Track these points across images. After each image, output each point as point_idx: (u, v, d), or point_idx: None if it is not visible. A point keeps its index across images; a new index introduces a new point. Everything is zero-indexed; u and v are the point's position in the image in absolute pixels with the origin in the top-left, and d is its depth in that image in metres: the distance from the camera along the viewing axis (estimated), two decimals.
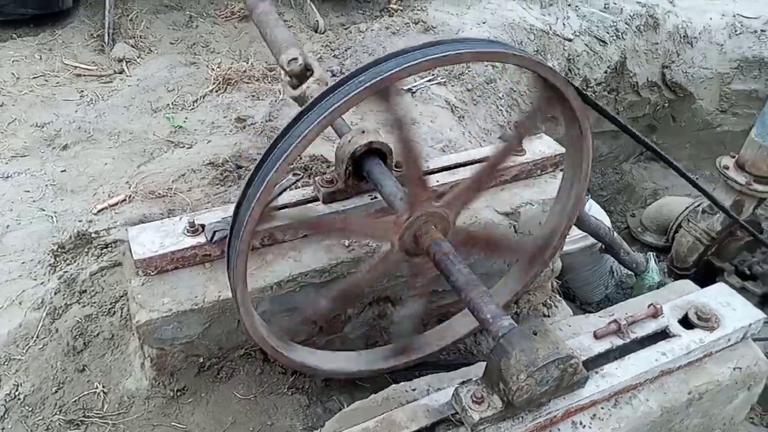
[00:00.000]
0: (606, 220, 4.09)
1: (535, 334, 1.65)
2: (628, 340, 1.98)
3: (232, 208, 2.49)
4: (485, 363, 1.77)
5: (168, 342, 2.22)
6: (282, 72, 2.86)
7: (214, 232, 2.27)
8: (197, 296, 2.20)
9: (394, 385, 1.96)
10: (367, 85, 1.71)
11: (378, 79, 1.73)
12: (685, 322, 2.06)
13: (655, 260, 4.25)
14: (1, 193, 3.35)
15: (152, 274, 2.23)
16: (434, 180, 2.60)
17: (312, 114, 1.74)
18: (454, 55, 1.77)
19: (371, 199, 2.48)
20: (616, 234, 3.92)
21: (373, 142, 2.36)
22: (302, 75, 2.63)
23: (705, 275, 4.82)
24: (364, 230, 2.17)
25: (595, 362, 1.93)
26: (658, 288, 4.36)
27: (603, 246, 4.00)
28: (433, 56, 1.74)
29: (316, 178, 2.48)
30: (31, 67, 4.46)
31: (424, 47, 1.80)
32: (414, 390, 1.91)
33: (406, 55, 1.79)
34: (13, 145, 3.74)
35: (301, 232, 2.43)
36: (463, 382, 1.77)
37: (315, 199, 2.48)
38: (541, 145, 2.86)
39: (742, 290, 4.59)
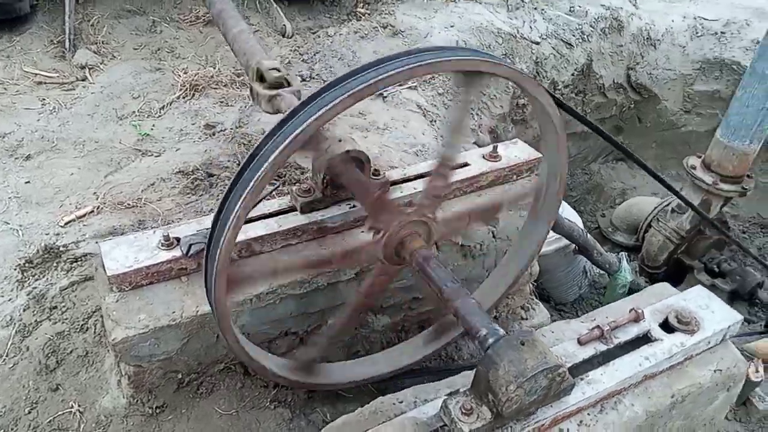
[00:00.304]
0: (579, 222, 4.13)
1: (523, 345, 1.64)
2: (612, 346, 1.99)
3: (206, 219, 2.45)
4: (473, 373, 1.76)
5: (145, 359, 2.15)
6: (250, 77, 2.82)
7: (190, 245, 2.21)
8: (174, 311, 2.14)
9: (381, 398, 1.93)
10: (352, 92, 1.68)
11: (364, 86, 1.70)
12: (666, 326, 2.09)
13: (627, 260, 4.31)
14: None
15: (127, 289, 2.16)
16: (411, 188, 2.58)
17: (294, 122, 1.70)
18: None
19: (350, 207, 2.46)
20: (589, 235, 3.97)
21: (350, 150, 2.34)
22: (278, 86, 2.60)
23: (675, 273, 4.91)
24: (350, 261, 2.15)
25: (580, 369, 1.94)
26: (630, 287, 4.44)
27: (577, 247, 4.04)
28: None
29: (293, 188, 2.44)
30: None
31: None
32: (401, 402, 1.88)
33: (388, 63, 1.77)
34: None
35: (280, 242, 2.38)
36: (451, 394, 1.75)
37: (292, 209, 2.44)
38: (516, 151, 2.87)
39: (711, 287, 4.70)
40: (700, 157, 4.59)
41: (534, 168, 2.86)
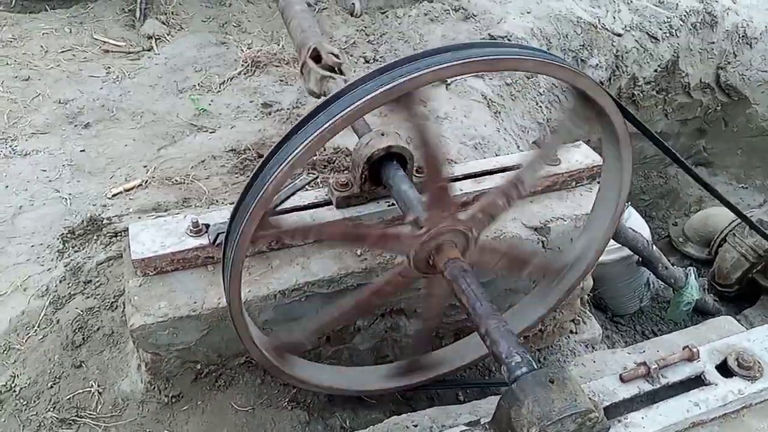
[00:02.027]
0: (645, 231, 3.85)
1: (552, 383, 1.48)
2: (658, 386, 1.78)
3: None
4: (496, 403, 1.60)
5: (163, 347, 2.10)
6: (305, 60, 2.72)
7: (218, 234, 2.13)
8: (196, 302, 2.08)
9: (395, 418, 1.81)
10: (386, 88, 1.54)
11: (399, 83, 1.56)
12: (724, 369, 1.86)
13: (695, 276, 3.99)
14: (17, 172, 3.29)
15: (151, 274, 2.11)
16: (458, 189, 2.42)
17: (319, 119, 1.57)
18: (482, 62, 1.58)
19: (388, 205, 2.32)
20: (654, 247, 3.69)
21: (392, 146, 2.20)
22: (332, 69, 2.49)
23: (748, 294, 4.54)
24: (379, 241, 2.01)
25: (619, 408, 1.75)
26: (696, 305, 4.12)
27: (640, 259, 3.76)
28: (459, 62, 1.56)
29: (330, 181, 2.33)
30: (60, 41, 4.39)
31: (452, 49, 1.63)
32: (416, 426, 1.75)
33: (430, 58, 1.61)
34: (35, 122, 3.68)
35: (311, 237, 2.28)
36: (470, 424, 1.61)
37: (328, 203, 2.33)
38: (578, 155, 2.65)
39: None
40: None
41: (596, 176, 2.64)
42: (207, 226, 2.18)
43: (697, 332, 2.09)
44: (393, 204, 2.31)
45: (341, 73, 2.66)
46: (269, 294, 2.15)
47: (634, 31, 5.15)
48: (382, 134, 2.23)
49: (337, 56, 2.65)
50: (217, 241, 2.12)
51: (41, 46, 4.32)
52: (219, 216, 2.25)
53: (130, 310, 2.04)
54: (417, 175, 2.36)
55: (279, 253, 2.25)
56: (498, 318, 1.71)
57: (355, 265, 2.25)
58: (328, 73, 2.59)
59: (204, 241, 2.15)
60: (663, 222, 5.77)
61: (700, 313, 4.28)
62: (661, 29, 5.21)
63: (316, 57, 2.66)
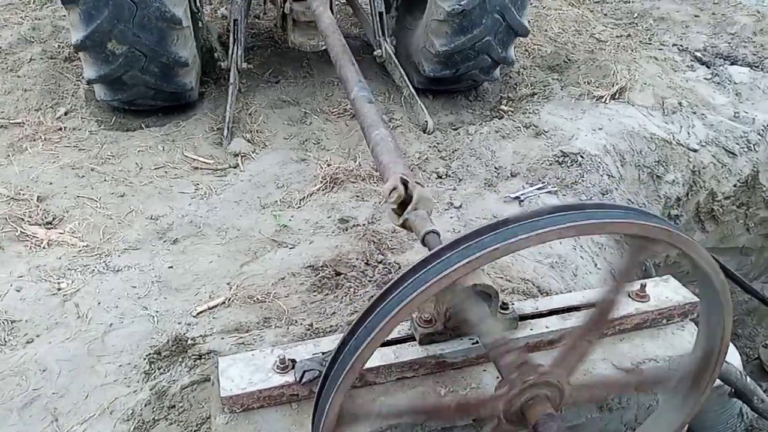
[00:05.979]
0: (736, 359, 3.63)
1: None
2: None
3: (323, 340, 2.39)
4: None
5: None
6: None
7: (304, 372, 2.15)
8: None
9: None
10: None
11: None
12: None
13: None
14: (110, 288, 3.43)
15: (237, 411, 2.13)
16: (544, 326, 2.38)
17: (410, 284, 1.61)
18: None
19: (472, 343, 2.30)
20: (748, 379, 3.46)
21: (477, 284, 2.20)
22: (404, 204, 2.54)
23: None
24: (465, 414, 2.00)
25: None
26: None
27: (733, 390, 3.53)
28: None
29: (414, 316, 2.33)
30: (153, 158, 4.66)
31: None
32: None
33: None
34: (127, 237, 3.87)
35: (395, 374, 2.27)
36: None
37: (411, 338, 2.33)
38: (668, 291, 2.58)
39: None
40: None
41: (688, 313, 2.55)
42: (293, 362, 2.21)
43: None
44: (477, 342, 2.29)
45: (410, 197, 2.60)
46: None
47: (710, 146, 5.12)
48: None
49: (394, 189, 2.58)
50: (303, 380, 2.14)
51: (136, 163, 4.59)
52: (305, 350, 2.28)
53: None
54: (502, 312, 2.35)
55: (362, 391, 2.24)
56: None
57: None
58: (402, 219, 2.54)
59: (290, 378, 2.16)
60: (750, 341, 5.46)
61: None
62: (738, 144, 5.16)
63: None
